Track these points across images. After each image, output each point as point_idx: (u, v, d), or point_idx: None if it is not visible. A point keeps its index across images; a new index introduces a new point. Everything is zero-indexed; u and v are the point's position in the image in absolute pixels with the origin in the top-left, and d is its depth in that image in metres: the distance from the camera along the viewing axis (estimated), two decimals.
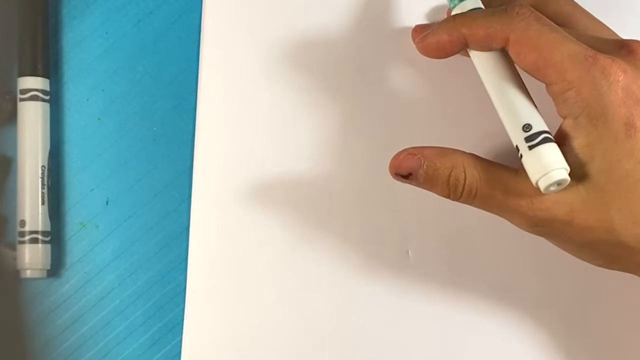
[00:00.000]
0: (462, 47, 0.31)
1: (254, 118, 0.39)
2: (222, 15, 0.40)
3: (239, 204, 0.38)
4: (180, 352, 0.38)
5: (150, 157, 0.40)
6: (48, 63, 0.40)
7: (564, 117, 0.29)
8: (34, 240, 0.38)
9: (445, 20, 0.32)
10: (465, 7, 0.32)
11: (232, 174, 0.39)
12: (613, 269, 0.31)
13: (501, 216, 0.31)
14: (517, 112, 0.29)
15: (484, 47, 0.30)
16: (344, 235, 0.38)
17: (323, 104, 0.39)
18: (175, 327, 0.38)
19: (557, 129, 0.30)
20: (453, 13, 0.33)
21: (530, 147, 0.28)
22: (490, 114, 0.31)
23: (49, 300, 0.39)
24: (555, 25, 0.29)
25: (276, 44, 0.39)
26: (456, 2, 0.33)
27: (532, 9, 0.29)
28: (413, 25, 0.37)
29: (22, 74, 0.39)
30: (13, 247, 0.39)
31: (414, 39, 0.34)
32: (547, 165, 0.28)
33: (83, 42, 0.41)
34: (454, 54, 0.32)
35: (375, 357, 0.37)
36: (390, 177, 0.38)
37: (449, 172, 0.30)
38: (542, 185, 0.28)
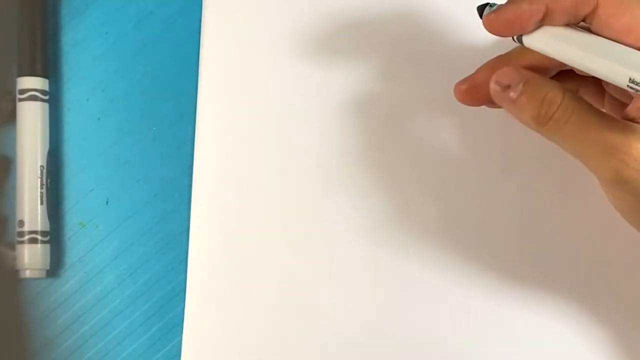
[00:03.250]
0: (539, 22, 0.29)
1: (253, 118, 0.39)
2: (222, 15, 0.40)
3: (239, 204, 0.38)
4: (180, 352, 0.38)
5: (150, 157, 0.40)
6: (47, 63, 0.40)
7: None
8: (33, 240, 0.38)
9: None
10: None
11: (232, 174, 0.39)
12: None
13: (585, 160, 0.29)
14: (622, 54, 0.27)
15: (568, 16, 0.28)
16: (344, 235, 0.38)
17: (323, 103, 0.39)
18: (175, 327, 0.38)
19: None
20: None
21: None
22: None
23: (48, 300, 0.39)
24: None
25: (276, 43, 0.39)
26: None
27: None
28: (414, 24, 0.37)
29: (21, 74, 0.39)
30: (12, 247, 0.39)
31: (486, 18, 0.30)
32: None
33: (83, 42, 0.41)
34: (529, 31, 0.29)
35: (375, 357, 0.37)
36: (390, 177, 0.38)
37: (546, 92, 0.28)
38: None
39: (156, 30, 0.40)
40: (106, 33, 0.41)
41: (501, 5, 0.29)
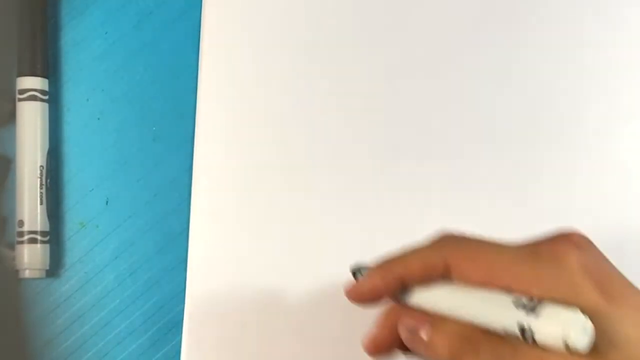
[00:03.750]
0: (397, 288, 0.29)
1: (253, 118, 0.39)
2: (222, 15, 0.40)
3: (239, 204, 0.38)
4: (180, 352, 0.38)
5: (150, 157, 0.40)
6: (47, 63, 0.40)
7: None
8: (33, 240, 0.38)
9: (374, 270, 0.30)
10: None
11: (232, 174, 0.39)
12: None
13: None
14: (498, 304, 0.27)
15: (422, 280, 0.29)
16: (344, 235, 0.38)
17: (323, 103, 0.39)
18: (175, 327, 0.38)
19: None
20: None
21: (534, 313, 0.25)
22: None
23: (48, 300, 0.39)
24: (484, 237, 0.28)
25: (276, 44, 0.39)
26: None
27: (457, 232, 0.29)
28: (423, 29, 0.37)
29: (21, 74, 0.39)
30: (12, 248, 0.39)
31: (345, 292, 0.31)
32: (566, 317, 0.25)
33: (83, 42, 0.41)
34: (386, 297, 0.30)
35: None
36: (390, 178, 0.38)
37: (465, 327, 0.27)
38: (574, 336, 0.24)
39: (156, 30, 0.41)
40: (106, 33, 0.41)
41: (358, 281, 0.30)
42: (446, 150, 0.38)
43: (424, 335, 0.28)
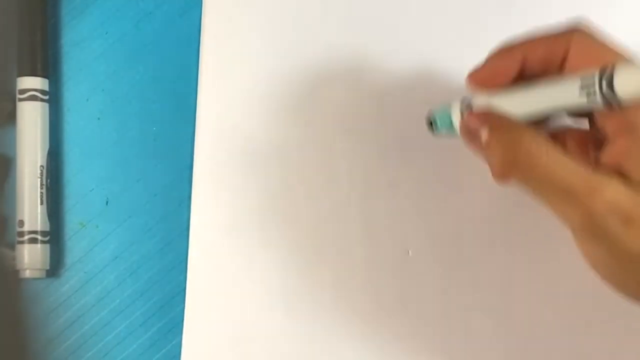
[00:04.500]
0: (516, 74, 0.29)
1: (253, 118, 0.39)
2: (222, 15, 0.40)
3: (239, 203, 0.39)
4: (180, 352, 0.38)
5: (150, 157, 0.40)
6: (47, 63, 0.40)
7: (620, 129, 0.27)
8: (33, 240, 0.38)
9: (497, 47, 0.30)
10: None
11: (232, 174, 0.39)
12: None
13: (554, 207, 0.28)
14: (564, 81, 0.28)
15: (541, 67, 0.28)
16: (345, 235, 0.38)
17: (323, 103, 0.39)
18: (175, 327, 0.38)
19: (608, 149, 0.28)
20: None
21: (610, 75, 0.26)
22: None
23: (48, 300, 0.39)
24: (611, 40, 0.28)
25: (276, 44, 0.39)
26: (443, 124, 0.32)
27: (588, 23, 0.28)
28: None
29: (21, 74, 0.39)
30: (13, 247, 0.39)
31: (467, 78, 0.31)
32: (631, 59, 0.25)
33: (83, 42, 0.41)
34: (507, 83, 0.30)
35: (375, 354, 0.37)
36: (390, 178, 0.38)
37: (512, 136, 0.28)
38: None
39: (156, 30, 0.41)
40: (106, 33, 0.41)
41: (481, 64, 0.30)
42: None
43: (483, 137, 0.28)
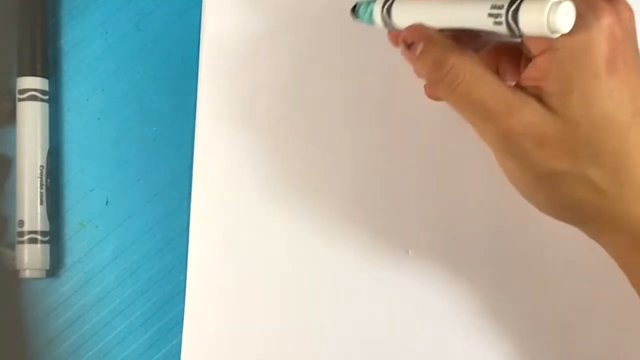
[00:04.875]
0: None
1: (254, 118, 0.39)
2: (222, 15, 0.40)
3: (239, 203, 0.38)
4: (180, 352, 0.38)
5: (150, 157, 0.40)
6: (47, 63, 0.40)
7: (542, 50, 0.29)
8: (33, 240, 0.38)
9: None
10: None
11: (232, 174, 0.39)
12: (564, 218, 0.31)
13: (474, 123, 0.30)
14: (479, 4, 0.29)
15: None
16: (344, 235, 0.38)
17: (323, 103, 0.39)
18: (175, 327, 0.38)
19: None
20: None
21: (517, 7, 0.27)
22: None
23: (48, 300, 0.39)
24: None
25: (276, 44, 0.39)
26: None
27: None
28: None
29: (21, 74, 0.39)
30: (13, 247, 0.39)
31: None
32: (544, 1, 0.26)
33: (83, 42, 0.41)
34: None
35: (375, 355, 0.37)
36: (390, 177, 0.38)
37: (441, 54, 0.30)
38: (554, 18, 0.26)
39: (156, 30, 0.40)
40: (106, 33, 0.41)
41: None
42: None
43: (416, 51, 0.30)
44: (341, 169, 0.39)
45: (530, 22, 0.27)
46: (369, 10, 0.34)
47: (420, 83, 0.33)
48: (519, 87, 0.29)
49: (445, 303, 0.37)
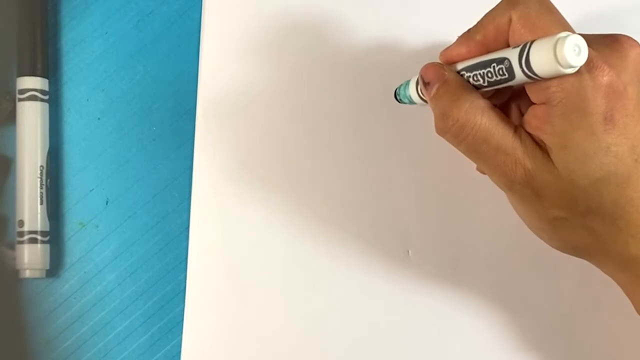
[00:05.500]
0: (479, 52, 0.31)
1: (254, 118, 0.39)
2: (222, 16, 0.40)
3: (239, 203, 0.38)
4: (180, 352, 0.38)
5: (150, 157, 0.40)
6: (47, 63, 0.40)
7: (539, 102, 0.29)
8: (33, 240, 0.38)
9: (459, 40, 0.32)
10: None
11: (232, 174, 0.39)
12: (569, 253, 0.31)
13: (484, 168, 0.31)
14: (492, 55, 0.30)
15: (497, 44, 0.30)
16: (345, 235, 0.38)
17: (324, 103, 0.39)
18: (175, 327, 0.38)
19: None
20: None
21: (528, 51, 0.27)
22: None
23: (48, 300, 0.39)
24: (556, 8, 0.29)
25: (276, 44, 0.39)
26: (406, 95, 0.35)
27: None
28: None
29: (21, 74, 0.39)
30: (13, 247, 0.39)
31: (440, 57, 0.33)
32: (553, 37, 0.26)
33: (83, 42, 0.41)
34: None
35: (375, 355, 0.37)
36: (390, 177, 0.38)
37: (452, 103, 0.30)
38: (563, 46, 0.26)
39: (156, 30, 0.40)
40: (106, 33, 0.41)
41: (447, 49, 0.32)
42: None
43: (432, 90, 0.31)
44: (341, 169, 0.39)
45: (541, 62, 0.27)
46: (406, 94, 0.35)
47: None
48: (522, 131, 0.29)
49: (445, 303, 0.38)
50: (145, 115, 0.40)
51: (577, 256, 0.31)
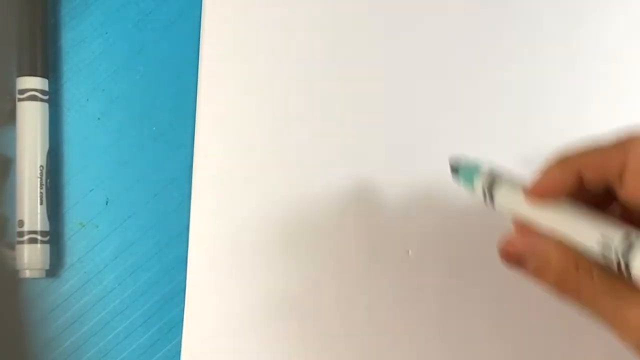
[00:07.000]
0: (574, 185, 0.27)
1: (253, 118, 0.39)
2: (222, 15, 0.40)
3: (239, 204, 0.39)
4: (180, 352, 0.38)
5: (150, 157, 0.40)
6: (47, 63, 0.40)
7: None
8: (33, 240, 0.38)
9: (554, 159, 0.28)
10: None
11: (232, 174, 0.39)
12: None
13: (608, 326, 0.26)
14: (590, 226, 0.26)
15: (599, 180, 0.27)
16: (344, 235, 0.38)
17: (324, 104, 0.39)
18: (175, 327, 0.38)
19: None
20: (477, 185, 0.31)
21: (628, 248, 0.24)
22: None
23: (48, 300, 0.39)
24: None
25: (276, 44, 0.39)
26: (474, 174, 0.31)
27: None
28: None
29: (21, 74, 0.39)
30: (13, 247, 0.39)
31: (527, 191, 0.29)
32: None
33: (83, 42, 0.41)
34: (563, 196, 0.28)
35: (375, 355, 0.38)
36: (390, 177, 0.38)
37: (562, 274, 0.27)
38: None
39: (156, 30, 0.40)
40: (106, 33, 0.41)
41: (539, 174, 0.28)
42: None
43: (529, 267, 0.28)
44: (341, 169, 0.39)
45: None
46: (469, 181, 0.31)
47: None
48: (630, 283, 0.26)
49: (445, 303, 0.37)
50: (145, 115, 0.40)
51: None
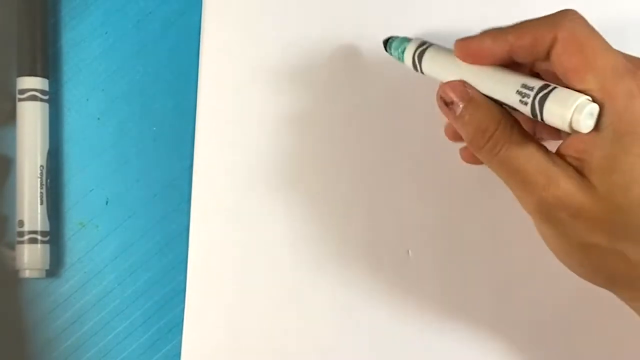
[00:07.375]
0: (504, 56, 0.30)
1: (253, 118, 0.39)
2: (222, 15, 0.40)
3: (239, 204, 0.39)
4: (180, 352, 0.38)
5: (150, 157, 0.40)
6: (47, 63, 0.40)
7: None
8: (33, 240, 0.38)
9: (490, 29, 0.31)
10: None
11: (232, 174, 0.39)
12: (596, 283, 0.30)
13: (512, 189, 0.30)
14: (511, 78, 0.29)
15: (528, 54, 0.29)
16: (345, 235, 0.38)
17: (324, 103, 0.39)
18: (175, 327, 0.38)
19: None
20: (406, 54, 0.34)
21: (545, 95, 0.27)
22: None
23: (48, 300, 0.39)
24: (599, 34, 0.28)
25: (276, 43, 0.39)
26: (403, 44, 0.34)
27: (579, 13, 0.28)
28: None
29: (21, 74, 0.39)
30: (13, 247, 0.39)
31: (455, 44, 0.32)
32: (573, 98, 0.26)
33: (83, 42, 0.41)
34: (492, 63, 0.31)
35: (375, 354, 0.38)
36: (390, 178, 0.38)
37: (481, 119, 0.29)
38: (578, 118, 0.26)
39: (156, 30, 0.40)
40: (106, 33, 0.41)
41: (471, 37, 0.31)
42: None
43: (457, 110, 0.30)
44: (342, 170, 0.39)
45: (554, 113, 0.27)
46: (400, 49, 0.34)
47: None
48: (559, 154, 0.29)
49: (445, 303, 0.38)
50: (145, 115, 0.40)
51: (603, 287, 0.30)
